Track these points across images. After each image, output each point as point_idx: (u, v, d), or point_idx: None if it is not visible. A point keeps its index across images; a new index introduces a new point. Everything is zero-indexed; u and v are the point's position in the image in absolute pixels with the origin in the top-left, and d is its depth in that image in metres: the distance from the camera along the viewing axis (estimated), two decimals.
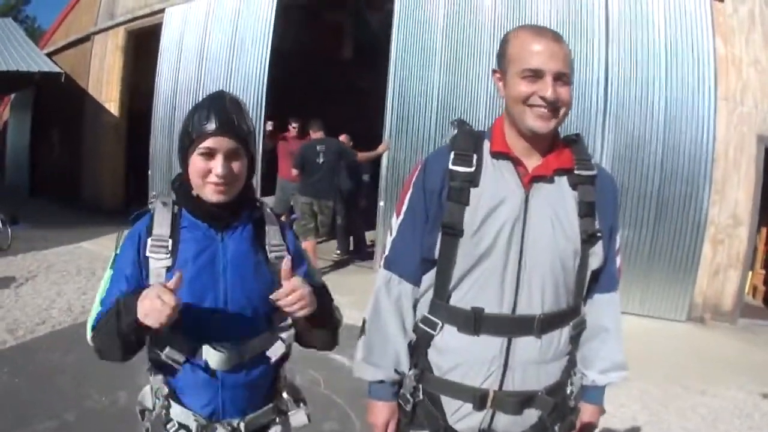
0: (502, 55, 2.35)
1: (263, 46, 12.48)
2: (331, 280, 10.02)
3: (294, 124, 12.24)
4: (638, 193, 8.92)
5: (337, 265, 11.39)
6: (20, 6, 48.03)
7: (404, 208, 2.51)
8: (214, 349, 2.29)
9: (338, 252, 11.93)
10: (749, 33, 8.67)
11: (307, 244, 9.93)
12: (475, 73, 10.05)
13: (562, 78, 2.20)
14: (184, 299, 2.20)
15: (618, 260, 2.57)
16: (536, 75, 2.19)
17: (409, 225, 2.49)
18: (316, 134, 10.74)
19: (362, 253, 11.93)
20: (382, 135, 10.89)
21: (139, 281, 2.30)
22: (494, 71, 2.41)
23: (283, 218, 2.60)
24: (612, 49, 9.11)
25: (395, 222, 2.56)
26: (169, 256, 2.29)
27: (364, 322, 2.60)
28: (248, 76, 12.62)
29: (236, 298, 2.33)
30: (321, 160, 10.21)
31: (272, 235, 2.48)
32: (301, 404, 2.60)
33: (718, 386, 6.44)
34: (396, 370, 2.53)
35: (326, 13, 17.51)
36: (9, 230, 12.05)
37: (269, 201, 2.91)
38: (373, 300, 2.58)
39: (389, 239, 2.58)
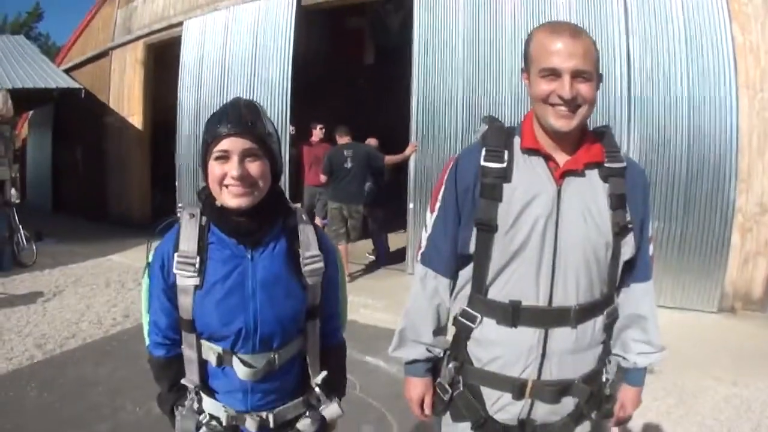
0: (525, 56, 2.40)
1: (285, 53, 12.51)
2: (363, 284, 10.32)
3: (320, 126, 12.17)
4: (666, 185, 8.86)
5: (369, 268, 11.42)
6: (31, 23, 48.08)
7: (438, 204, 2.57)
8: (244, 363, 2.34)
9: (370, 253, 12.00)
10: (765, 19, 8.61)
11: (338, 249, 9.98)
12: (498, 71, 10.05)
13: (582, 75, 2.23)
14: (213, 320, 2.30)
15: (651, 249, 2.62)
16: (554, 74, 2.24)
17: (442, 221, 2.55)
18: (342, 139, 10.82)
19: (381, 260, 11.86)
20: (408, 138, 10.93)
21: (173, 307, 2.36)
22: (522, 71, 2.46)
23: (317, 222, 2.63)
24: (633, 43, 9.06)
25: (429, 218, 2.62)
26: (196, 274, 2.27)
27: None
28: (271, 85, 12.65)
29: (266, 318, 2.33)
30: (349, 165, 10.34)
31: (306, 246, 2.43)
32: (334, 398, 2.61)
33: (749, 377, 6.38)
34: (428, 350, 2.64)
35: (346, 19, 17.49)
36: (34, 246, 12.12)
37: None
38: (411, 293, 2.69)
39: (424, 235, 2.65)
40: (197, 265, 2.27)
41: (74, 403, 5.77)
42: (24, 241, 12.00)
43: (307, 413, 2.54)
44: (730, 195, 8.63)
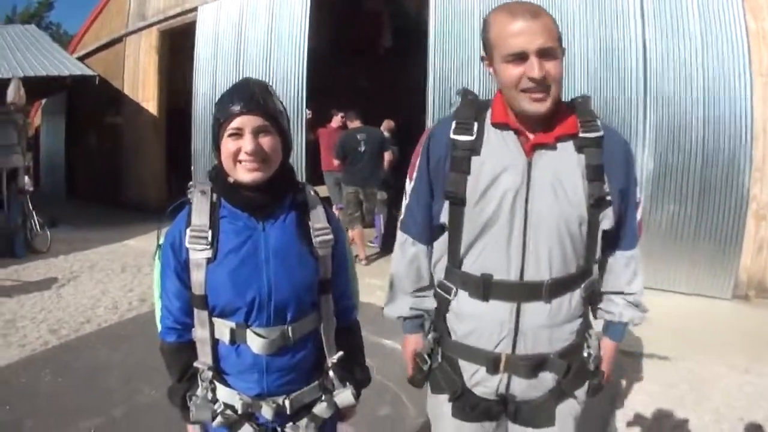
0: (485, 41, 2.36)
1: (300, 37, 12.50)
2: (379, 267, 10.37)
3: (341, 114, 12.07)
4: (682, 172, 8.83)
5: (384, 251, 11.32)
6: (42, 13, 47.96)
7: (415, 174, 2.58)
8: (258, 335, 2.33)
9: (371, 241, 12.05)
10: None
11: (355, 233, 10.14)
12: None
13: (549, 53, 2.18)
14: (227, 290, 2.31)
15: (638, 215, 2.58)
16: (520, 57, 2.19)
17: (416, 190, 2.58)
18: (353, 123, 10.88)
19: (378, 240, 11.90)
20: (425, 121, 10.85)
21: (185, 287, 2.37)
22: (482, 59, 2.42)
23: (334, 209, 2.63)
24: (648, 32, 9.01)
25: (408, 187, 2.64)
26: (209, 247, 2.29)
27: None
28: (287, 69, 12.64)
29: (280, 287, 2.33)
30: (363, 149, 10.31)
31: (316, 219, 2.46)
32: (348, 384, 2.58)
33: (762, 365, 6.33)
34: (415, 305, 2.70)
35: (364, 3, 17.46)
36: (48, 233, 12.12)
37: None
38: (393, 258, 2.76)
39: (404, 203, 2.67)
40: (209, 239, 2.30)
41: (89, 388, 5.74)
42: (37, 227, 12.04)
43: (323, 397, 2.54)
44: (745, 182, 8.57)
